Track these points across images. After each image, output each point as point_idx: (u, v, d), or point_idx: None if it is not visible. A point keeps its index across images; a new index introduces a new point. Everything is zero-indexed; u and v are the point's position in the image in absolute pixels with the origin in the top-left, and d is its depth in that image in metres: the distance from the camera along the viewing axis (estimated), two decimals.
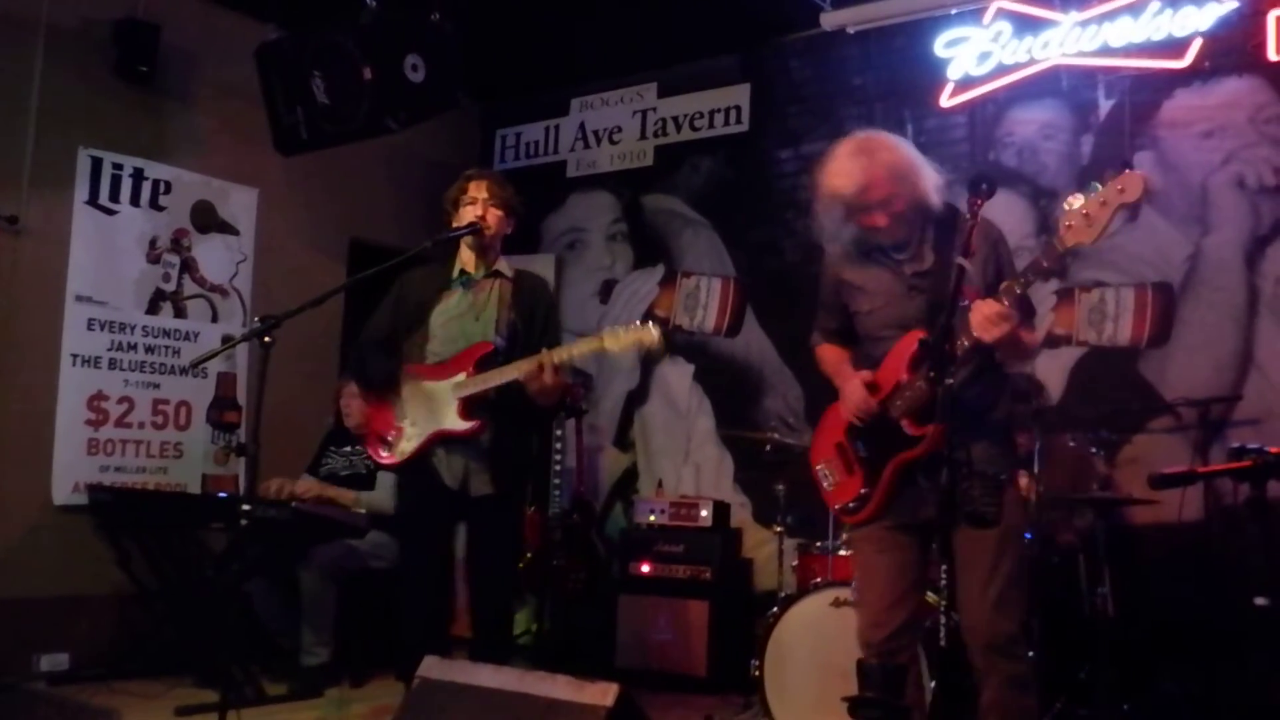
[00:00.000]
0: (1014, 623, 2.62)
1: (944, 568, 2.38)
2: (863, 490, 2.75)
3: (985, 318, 2.45)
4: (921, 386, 2.58)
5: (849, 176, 2.66)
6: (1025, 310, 2.66)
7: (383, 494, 4.62)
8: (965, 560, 2.64)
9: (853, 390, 2.75)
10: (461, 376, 3.40)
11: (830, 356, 2.97)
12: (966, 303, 2.50)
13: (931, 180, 2.70)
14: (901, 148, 2.74)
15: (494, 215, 3.53)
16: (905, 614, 2.72)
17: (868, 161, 2.66)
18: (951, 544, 2.57)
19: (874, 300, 2.79)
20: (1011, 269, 2.67)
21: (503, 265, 3.60)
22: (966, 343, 2.51)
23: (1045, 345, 4.52)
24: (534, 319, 3.54)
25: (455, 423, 3.39)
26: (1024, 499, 2.84)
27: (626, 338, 3.20)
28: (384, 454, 3.54)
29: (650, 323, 3.22)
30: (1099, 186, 2.33)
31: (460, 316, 3.53)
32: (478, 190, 3.54)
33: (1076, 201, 2.35)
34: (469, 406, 3.38)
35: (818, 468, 2.91)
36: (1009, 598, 2.62)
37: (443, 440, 3.43)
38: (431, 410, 3.43)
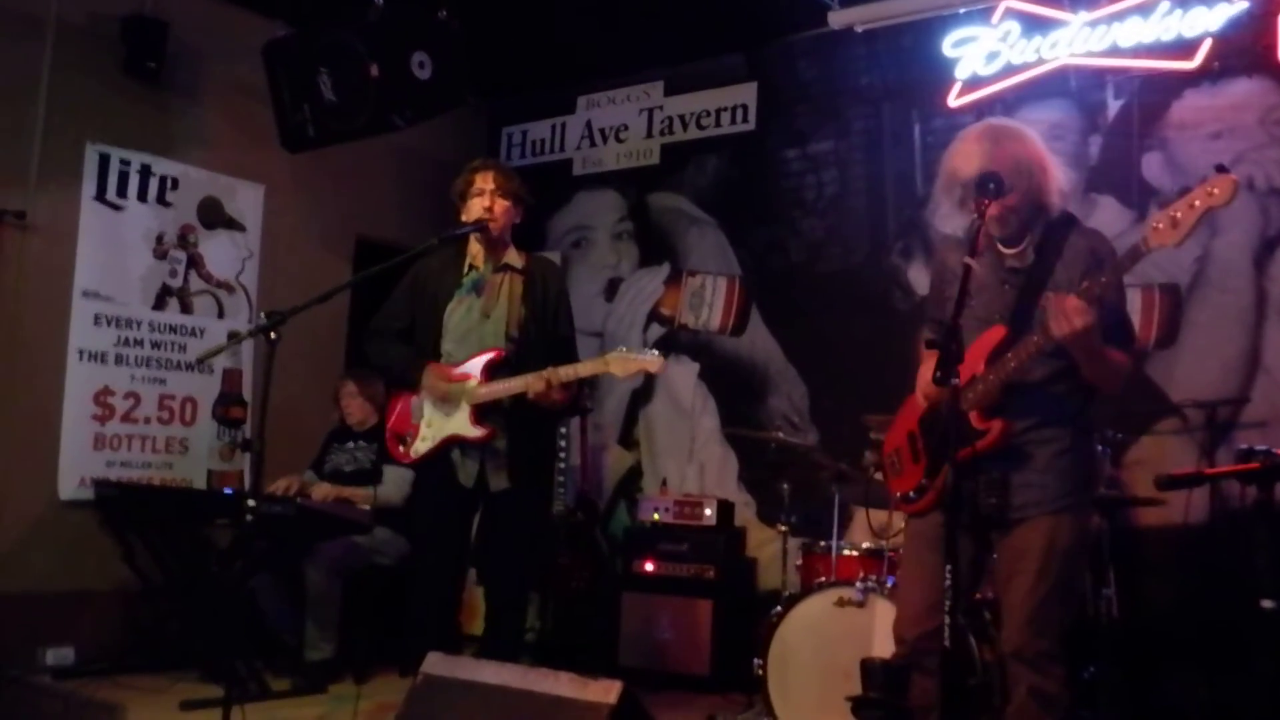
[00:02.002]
0: (1048, 639, 2.57)
1: (948, 568, 2.37)
2: (923, 480, 2.73)
3: (1061, 310, 2.39)
4: (993, 380, 2.55)
5: (971, 159, 2.63)
6: (1118, 330, 2.60)
7: (390, 488, 4.63)
8: (1011, 568, 2.62)
9: (926, 371, 2.73)
10: (473, 383, 3.45)
11: (927, 351, 2.89)
12: (973, 303, 2.49)
13: (1056, 181, 2.66)
14: (1032, 142, 2.70)
15: (501, 206, 3.55)
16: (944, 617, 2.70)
17: (993, 147, 2.63)
18: (956, 544, 2.56)
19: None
20: (1112, 283, 2.53)
21: (512, 256, 3.62)
22: (1041, 341, 2.47)
23: None
24: (546, 312, 3.58)
25: (467, 429, 3.46)
26: (1086, 522, 2.77)
27: (632, 364, 3.28)
28: (400, 449, 3.62)
29: (657, 351, 3.33)
30: (1191, 189, 2.29)
31: (472, 316, 3.56)
32: (484, 181, 3.56)
33: (1167, 206, 2.31)
34: (480, 413, 3.45)
35: (889, 454, 2.89)
36: (1048, 613, 2.57)
37: (458, 442, 3.49)
38: (446, 413, 3.50)
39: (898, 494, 2.85)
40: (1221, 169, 2.28)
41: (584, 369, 3.34)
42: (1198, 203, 2.27)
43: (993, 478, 2.60)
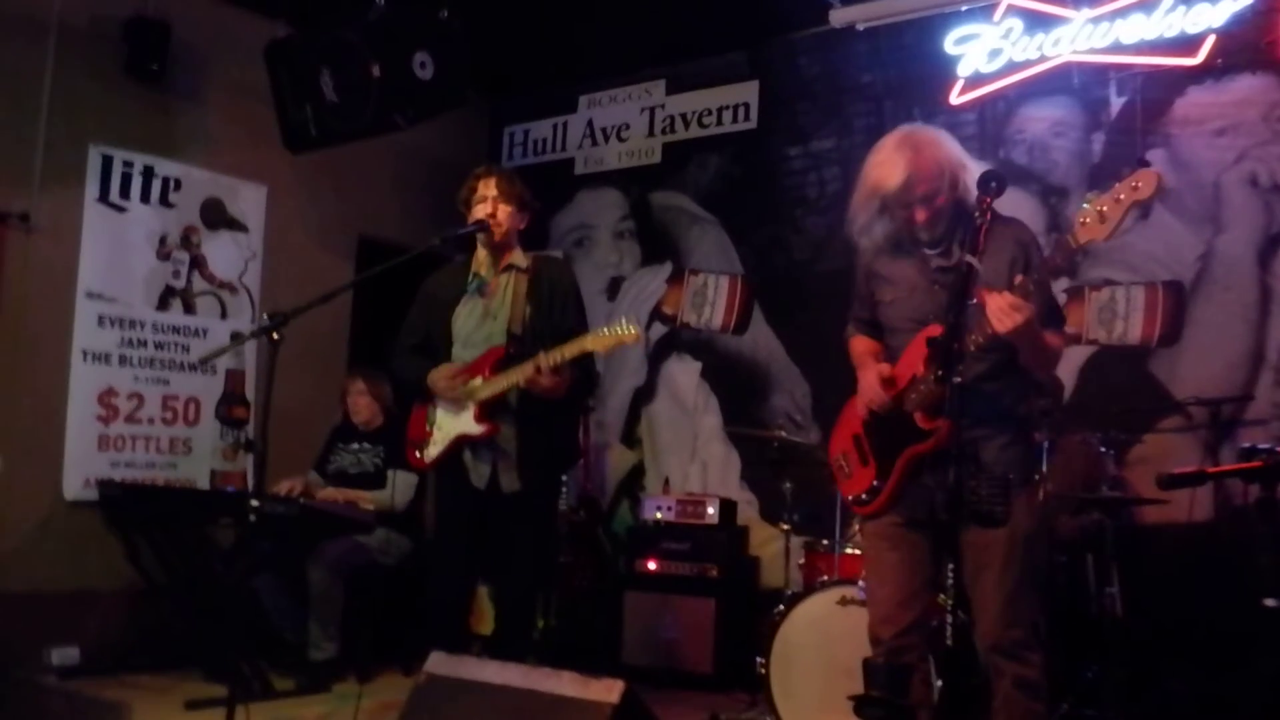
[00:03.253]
0: (1022, 628, 2.61)
1: (950, 566, 2.38)
2: (875, 482, 2.75)
3: (999, 308, 2.43)
4: (934, 381, 2.57)
5: (895, 168, 2.66)
6: (1049, 314, 2.64)
7: (395, 493, 4.64)
8: (976, 563, 2.64)
9: (869, 383, 2.76)
10: (478, 381, 3.48)
11: (858, 348, 2.96)
12: (974, 301, 2.49)
13: (974, 177, 2.68)
14: (947, 143, 2.74)
15: (504, 211, 3.56)
16: (915, 612, 2.71)
17: (914, 155, 2.66)
18: (960, 543, 2.57)
19: (897, 291, 2.80)
20: (1044, 280, 2.59)
21: (517, 257, 3.63)
22: (980, 338, 2.51)
23: None
24: (553, 307, 3.58)
25: (471, 426, 3.49)
26: (1043, 504, 2.81)
27: (609, 338, 3.31)
28: (417, 455, 3.66)
29: (629, 322, 3.33)
30: (1115, 184, 2.33)
31: (479, 319, 3.58)
32: (486, 188, 3.57)
33: (1093, 199, 2.35)
34: (484, 410, 3.46)
35: (835, 458, 2.92)
36: (1019, 602, 2.61)
37: (469, 443, 3.51)
38: (455, 415, 3.52)
39: (849, 497, 2.88)
40: (1143, 163, 2.32)
41: (568, 350, 3.34)
42: (1123, 197, 2.30)
43: (995, 480, 2.61)
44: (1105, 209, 2.32)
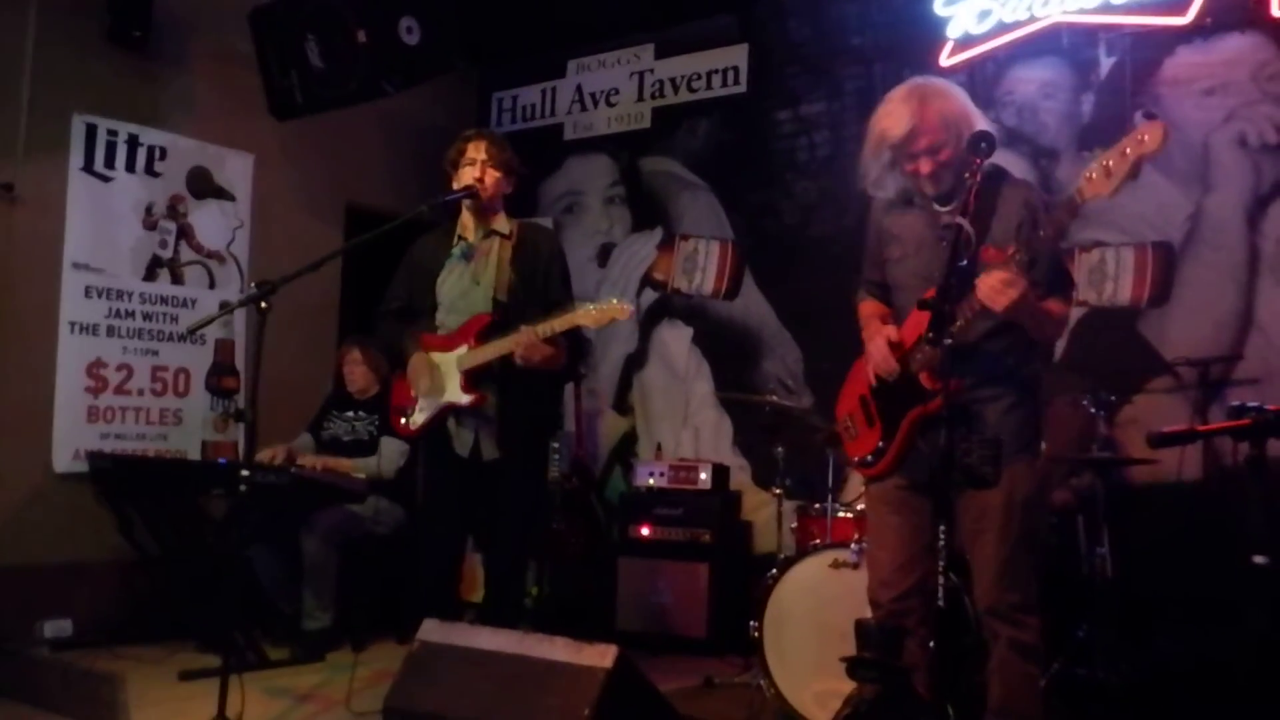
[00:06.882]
0: (1019, 591, 2.61)
1: (941, 528, 2.38)
2: (880, 444, 2.75)
3: (990, 286, 2.42)
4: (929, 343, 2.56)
5: (899, 120, 2.64)
6: (1056, 278, 2.63)
7: (384, 461, 4.64)
8: (974, 526, 2.64)
9: (876, 347, 2.75)
10: (464, 349, 3.48)
11: (866, 311, 2.94)
12: (964, 262, 2.48)
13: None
14: (955, 97, 2.70)
15: (492, 176, 3.54)
16: (915, 576, 2.71)
17: (919, 107, 2.63)
18: (958, 506, 2.57)
19: (905, 248, 2.78)
20: (1050, 235, 2.55)
21: (501, 223, 3.61)
22: (970, 312, 2.49)
23: None
24: (536, 274, 3.56)
25: (458, 395, 3.48)
26: (1043, 470, 2.80)
27: (601, 314, 3.30)
28: (402, 422, 3.66)
29: (621, 299, 3.32)
30: (1122, 138, 2.29)
31: (463, 285, 3.57)
32: (476, 151, 3.55)
33: (1100, 154, 2.32)
34: (471, 379, 3.46)
35: (842, 419, 2.91)
36: (1016, 566, 2.61)
37: (454, 411, 3.51)
38: (440, 382, 3.52)
39: (855, 458, 2.87)
40: (1150, 115, 2.28)
41: (557, 324, 3.33)
42: (1129, 151, 2.27)
43: (987, 441, 2.61)
44: (1111, 163, 2.29)
